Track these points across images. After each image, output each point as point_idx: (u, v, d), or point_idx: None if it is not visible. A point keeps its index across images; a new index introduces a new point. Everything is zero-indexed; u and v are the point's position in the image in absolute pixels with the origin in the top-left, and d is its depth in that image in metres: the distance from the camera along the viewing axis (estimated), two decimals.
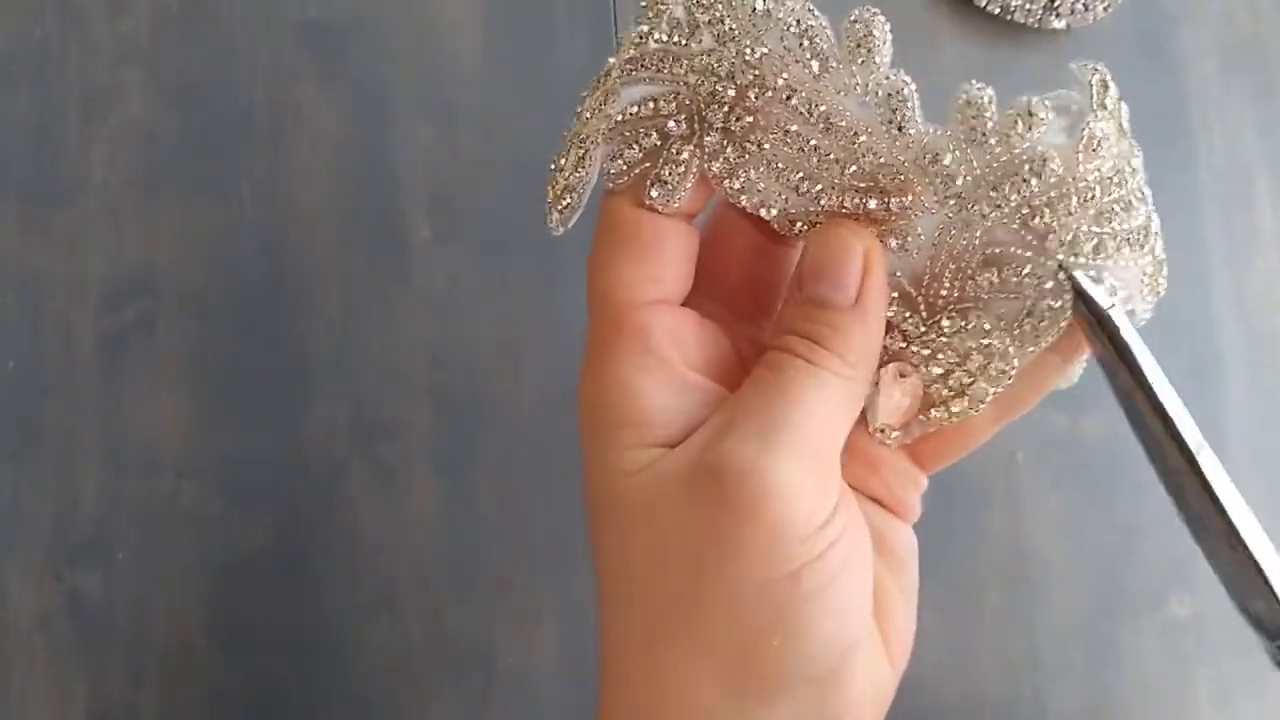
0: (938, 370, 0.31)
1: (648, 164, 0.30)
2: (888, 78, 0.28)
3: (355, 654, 0.46)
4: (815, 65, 0.28)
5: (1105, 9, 0.51)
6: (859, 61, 0.28)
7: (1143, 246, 0.29)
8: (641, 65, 0.29)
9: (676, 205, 0.30)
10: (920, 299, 0.30)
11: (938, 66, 0.51)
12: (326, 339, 0.47)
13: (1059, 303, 0.29)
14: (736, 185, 0.30)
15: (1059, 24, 0.51)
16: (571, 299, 0.48)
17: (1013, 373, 0.30)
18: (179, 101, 0.48)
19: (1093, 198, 0.28)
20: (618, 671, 0.29)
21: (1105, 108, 0.28)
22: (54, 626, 0.45)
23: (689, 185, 0.30)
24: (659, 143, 0.29)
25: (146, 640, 0.45)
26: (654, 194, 0.30)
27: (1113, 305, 0.28)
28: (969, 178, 0.28)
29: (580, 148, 0.31)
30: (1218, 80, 0.52)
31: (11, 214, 0.47)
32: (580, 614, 0.46)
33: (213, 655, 0.45)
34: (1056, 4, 0.50)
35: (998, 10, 0.51)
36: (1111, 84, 0.29)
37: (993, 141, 0.28)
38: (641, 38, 0.29)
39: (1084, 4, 0.51)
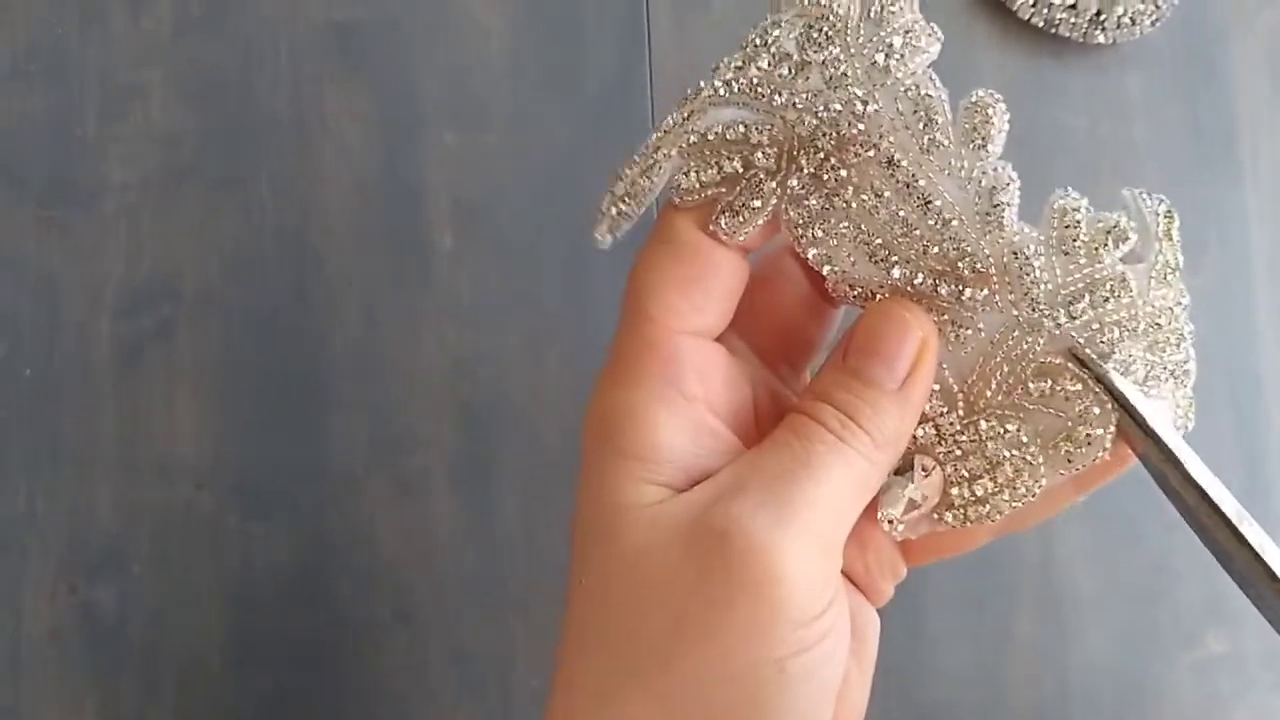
0: (965, 473, 0.30)
1: (723, 189, 0.29)
2: (995, 169, 0.27)
3: (372, 671, 0.45)
4: (926, 138, 0.27)
5: (1152, 24, 0.49)
6: (970, 146, 0.27)
7: (1183, 384, 0.29)
8: (739, 89, 0.28)
9: (743, 239, 0.29)
10: (961, 396, 0.29)
11: (977, 78, 0.50)
12: (347, 348, 0.46)
13: (1099, 432, 0.28)
14: (810, 235, 0.29)
15: (1104, 39, 0.49)
16: (598, 311, 0.47)
17: (1038, 492, 0.29)
18: (200, 103, 0.47)
19: (1156, 326, 0.28)
20: (565, 713, 0.28)
21: (1171, 239, 0.28)
22: (67, 639, 0.44)
23: (761, 221, 0.29)
24: (740, 170, 0.28)
25: (160, 654, 0.44)
26: (722, 222, 0.29)
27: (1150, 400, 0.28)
28: (1050, 285, 0.27)
29: (650, 159, 0.30)
30: (1267, 99, 0.51)
31: (29, 217, 0.46)
32: None
33: (227, 670, 0.44)
34: (1102, 18, 0.49)
35: (1041, 23, 0.49)
36: (1176, 215, 0.29)
37: (1082, 255, 0.27)
38: (744, 63, 0.28)
39: (1130, 18, 0.49)
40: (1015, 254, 0.27)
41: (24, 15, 0.47)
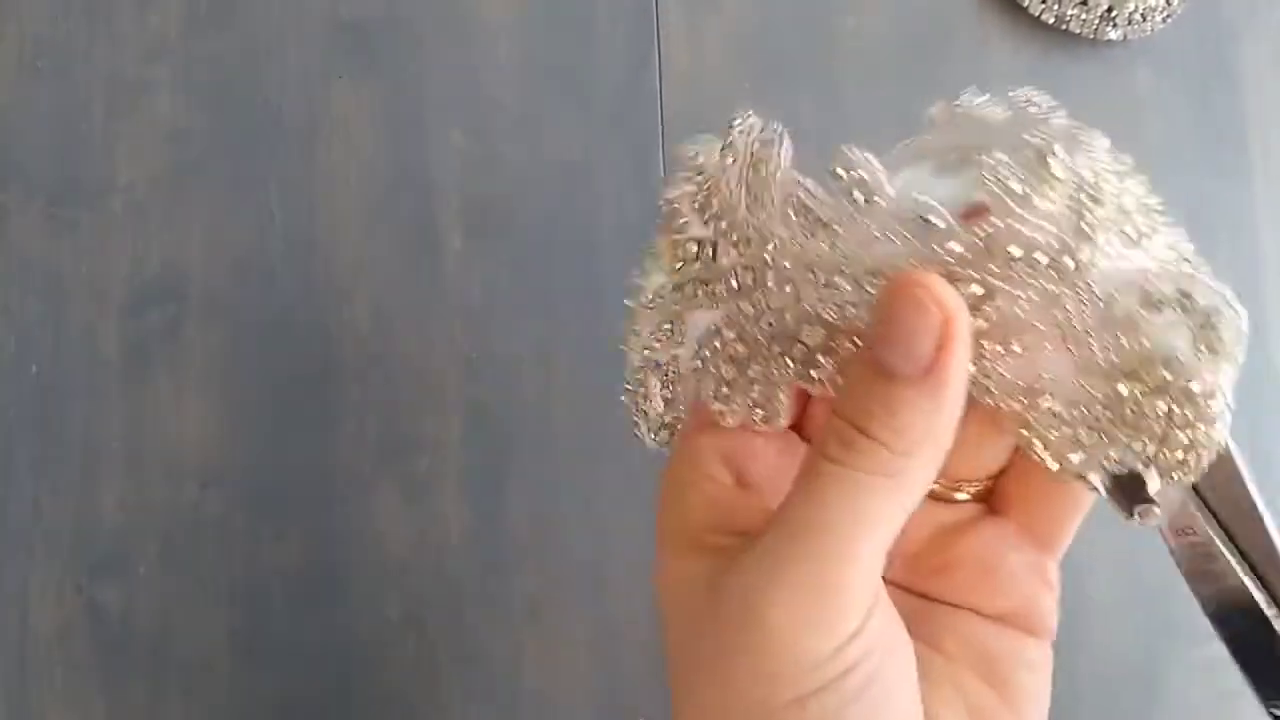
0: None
1: (741, 395, 0.28)
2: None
3: (380, 672, 0.45)
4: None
5: (1163, 20, 0.49)
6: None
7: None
8: (686, 294, 0.27)
9: (784, 424, 0.28)
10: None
11: (989, 74, 0.49)
12: (355, 348, 0.46)
13: (1097, 480, 0.26)
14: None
15: (1115, 35, 0.49)
16: (608, 310, 0.47)
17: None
18: (208, 100, 0.47)
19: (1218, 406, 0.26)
20: None
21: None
22: (73, 639, 0.44)
23: (786, 402, 0.27)
24: (738, 375, 0.28)
25: (167, 655, 0.44)
26: (758, 420, 0.28)
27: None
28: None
29: (661, 381, 0.29)
30: (1278, 96, 0.50)
31: (36, 214, 0.46)
32: (610, 638, 0.45)
33: (234, 671, 0.44)
34: (1113, 14, 0.49)
35: (1052, 19, 0.49)
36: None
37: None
38: (674, 261, 0.27)
39: (1141, 15, 0.49)
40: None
41: (31, 11, 0.47)
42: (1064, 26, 0.49)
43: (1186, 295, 0.24)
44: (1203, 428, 0.25)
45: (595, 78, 0.48)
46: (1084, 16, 0.49)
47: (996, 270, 0.24)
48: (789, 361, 0.27)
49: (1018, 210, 0.24)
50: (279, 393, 0.46)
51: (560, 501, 0.46)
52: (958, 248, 0.24)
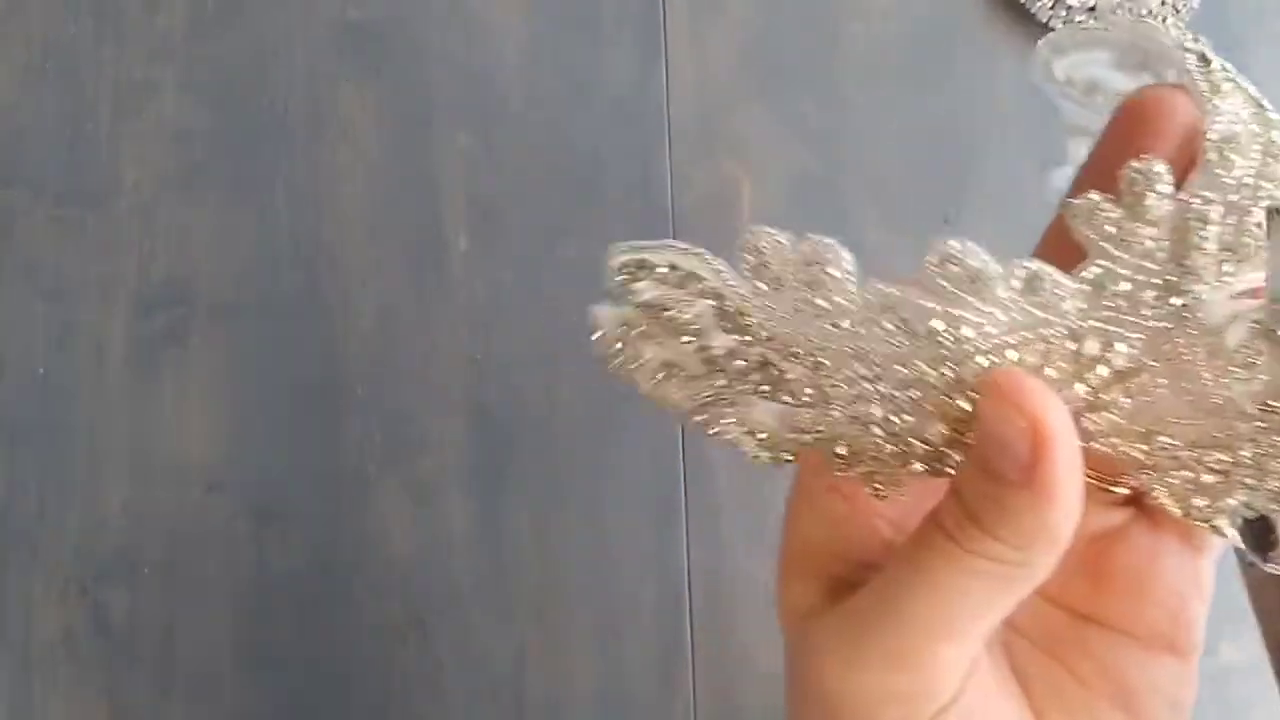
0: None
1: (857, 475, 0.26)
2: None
3: (384, 674, 0.45)
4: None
5: (1172, 27, 0.49)
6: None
7: None
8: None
9: (905, 494, 0.26)
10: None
11: (995, 80, 0.49)
12: (361, 351, 0.46)
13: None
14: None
15: None
16: None
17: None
18: (214, 101, 0.47)
19: None
20: None
21: None
22: (77, 642, 0.44)
23: (910, 479, 0.26)
24: (848, 467, 0.26)
25: (171, 658, 0.44)
26: (879, 491, 0.26)
27: None
28: None
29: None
30: None
31: (42, 215, 0.46)
32: (613, 641, 0.45)
33: (238, 674, 0.44)
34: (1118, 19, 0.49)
35: (1060, 25, 0.49)
36: None
37: None
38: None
39: (1149, 21, 0.49)
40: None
41: (39, 12, 0.47)
42: None
43: None
44: None
45: (601, 80, 0.49)
46: (1092, 23, 0.49)
47: (1108, 317, 0.24)
48: (912, 460, 0.25)
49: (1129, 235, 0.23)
50: (284, 395, 0.46)
51: (563, 503, 0.46)
52: (1071, 305, 0.23)
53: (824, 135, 0.50)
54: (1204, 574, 0.27)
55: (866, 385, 0.24)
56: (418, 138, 0.48)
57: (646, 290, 0.25)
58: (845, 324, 0.24)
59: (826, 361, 0.24)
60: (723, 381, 0.25)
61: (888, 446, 0.25)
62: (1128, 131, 0.25)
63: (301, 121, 0.47)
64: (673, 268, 0.25)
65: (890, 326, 0.24)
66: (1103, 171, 0.25)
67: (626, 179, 0.48)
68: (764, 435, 0.26)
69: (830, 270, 0.23)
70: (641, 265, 0.25)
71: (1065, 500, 0.23)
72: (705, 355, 0.25)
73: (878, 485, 0.26)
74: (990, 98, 0.49)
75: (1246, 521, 0.25)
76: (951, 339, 0.24)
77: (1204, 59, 0.25)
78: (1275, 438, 0.24)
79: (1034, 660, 0.26)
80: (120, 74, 0.47)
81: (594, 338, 0.26)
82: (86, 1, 0.47)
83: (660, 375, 0.26)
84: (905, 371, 0.24)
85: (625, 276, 0.25)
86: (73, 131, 0.46)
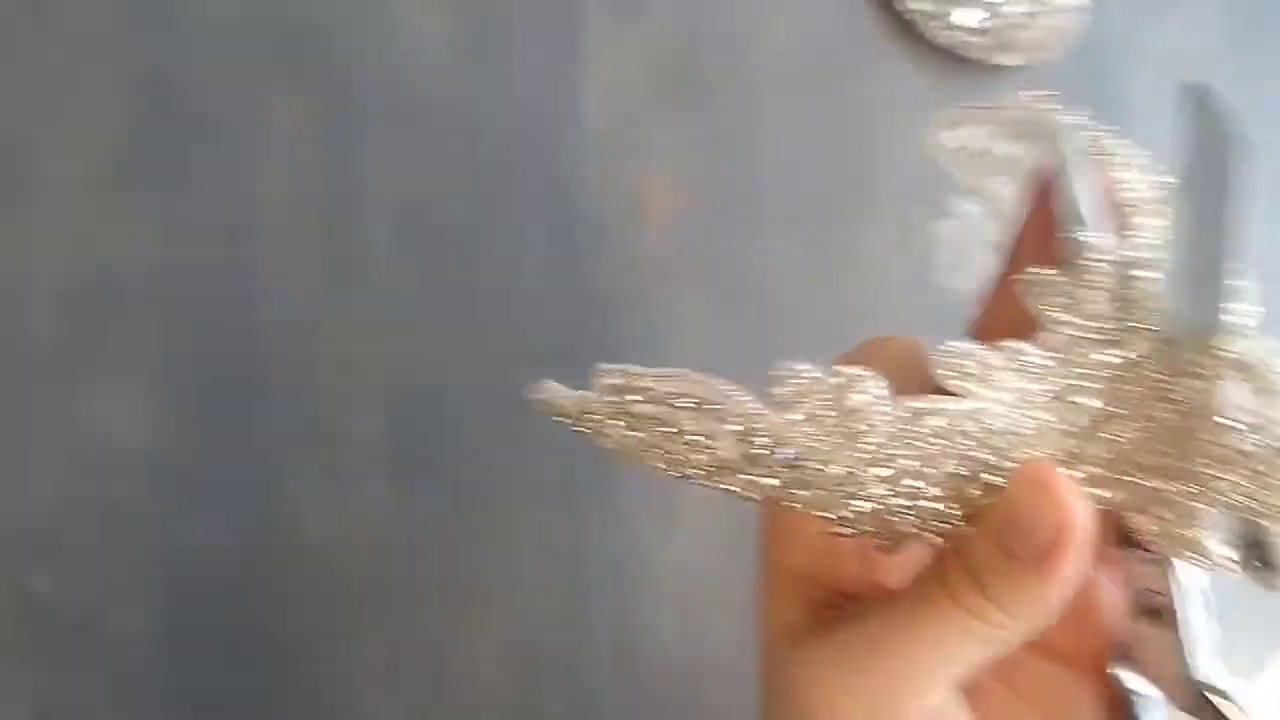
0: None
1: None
2: None
3: (304, 657, 0.46)
4: None
5: (1056, 48, 0.52)
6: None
7: None
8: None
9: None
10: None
11: (891, 94, 0.52)
12: (285, 344, 0.47)
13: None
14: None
15: (1011, 62, 0.52)
16: (530, 312, 0.49)
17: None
18: (140, 99, 0.48)
19: None
20: None
21: None
22: (1, 626, 0.44)
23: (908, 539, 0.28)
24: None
25: (95, 639, 0.45)
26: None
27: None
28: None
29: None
30: (1164, 123, 0.54)
31: None
32: (530, 625, 0.47)
33: (163, 657, 0.45)
34: (1007, 40, 0.52)
35: (950, 45, 0.52)
36: None
37: None
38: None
39: (1036, 44, 0.52)
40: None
41: None
42: (963, 53, 0.52)
43: (1231, 351, 0.26)
44: None
45: (519, 85, 0.50)
46: (980, 42, 0.52)
47: (1075, 375, 0.26)
48: (912, 530, 0.27)
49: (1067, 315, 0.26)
50: (208, 385, 0.47)
51: (477, 491, 0.48)
52: (1046, 373, 0.26)
53: (733, 144, 0.52)
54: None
55: (884, 485, 0.26)
56: (340, 138, 0.49)
57: (640, 408, 0.26)
58: (877, 440, 0.26)
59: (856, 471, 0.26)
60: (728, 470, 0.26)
61: (897, 525, 0.27)
62: (1049, 191, 0.28)
63: (228, 119, 0.48)
64: (676, 393, 0.26)
65: (929, 431, 0.25)
66: (1034, 238, 0.28)
67: (543, 183, 0.50)
68: (757, 497, 0.27)
69: (865, 395, 0.25)
70: (633, 390, 0.26)
71: (1066, 585, 0.26)
72: (713, 459, 0.26)
73: (876, 541, 0.27)
74: (887, 111, 0.52)
75: (1247, 548, 0.26)
76: (981, 430, 0.26)
77: (1104, 139, 0.29)
78: (1235, 454, 0.25)
79: (983, 680, 0.28)
80: (49, 70, 0.48)
81: (544, 410, 0.28)
82: None
83: (636, 448, 0.27)
84: (931, 468, 0.26)
85: (613, 398, 0.26)
86: (1, 127, 0.47)
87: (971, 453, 0.26)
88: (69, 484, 0.45)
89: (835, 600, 0.29)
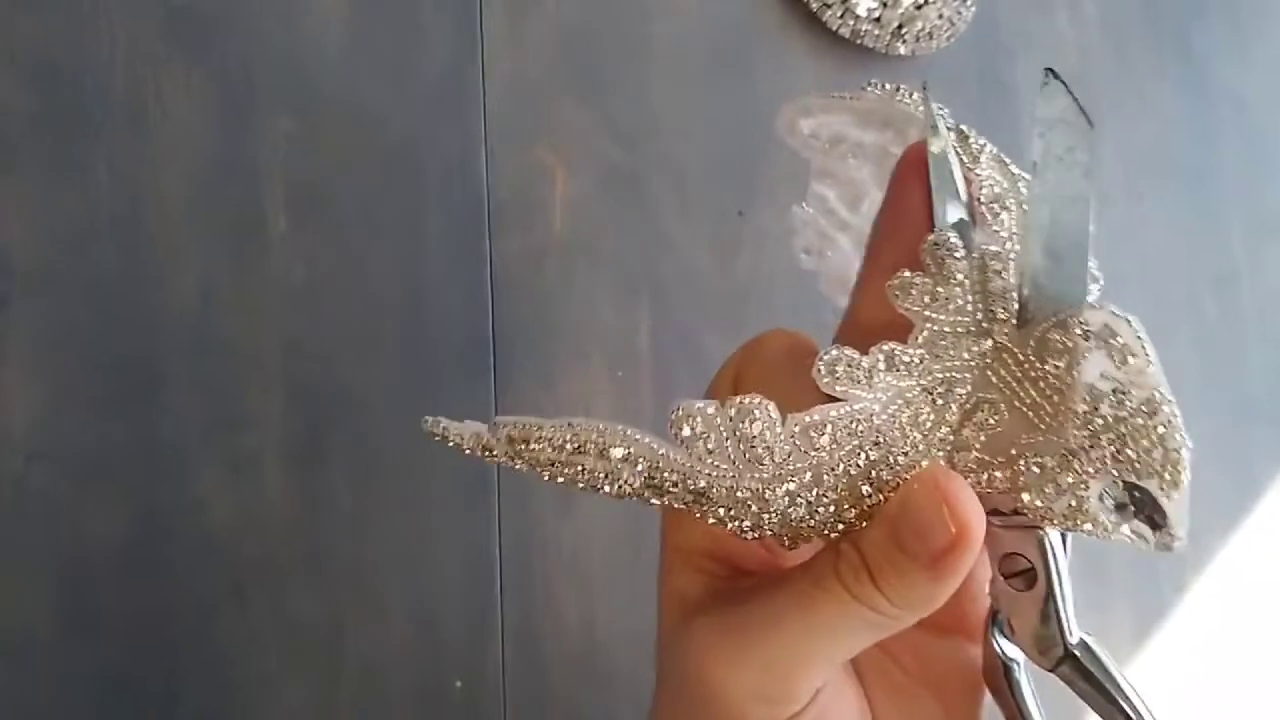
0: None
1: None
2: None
3: (204, 642, 0.46)
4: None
5: (948, 39, 0.54)
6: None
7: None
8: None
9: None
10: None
11: (790, 83, 0.53)
12: (181, 326, 0.47)
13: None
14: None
15: (904, 50, 0.53)
16: (430, 296, 0.49)
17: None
18: (34, 79, 0.47)
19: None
20: None
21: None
22: None
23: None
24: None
25: None
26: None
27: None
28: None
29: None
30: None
31: None
32: (429, 608, 0.48)
33: (60, 644, 0.45)
34: (903, 31, 0.53)
35: (849, 34, 0.53)
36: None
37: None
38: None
39: (928, 33, 0.53)
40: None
41: None
42: (859, 41, 0.53)
43: (1084, 324, 0.27)
44: (1156, 424, 0.26)
45: (420, 67, 0.50)
46: (877, 32, 0.53)
47: (944, 367, 0.28)
48: (818, 532, 0.28)
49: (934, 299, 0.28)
50: (105, 369, 0.46)
51: (379, 477, 0.48)
52: (918, 367, 0.28)
53: (631, 129, 0.53)
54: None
55: (786, 497, 0.27)
56: (238, 119, 0.49)
57: (539, 455, 0.27)
58: (777, 459, 0.27)
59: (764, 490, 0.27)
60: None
61: (798, 528, 0.28)
62: (909, 181, 0.29)
63: (123, 103, 0.48)
64: (576, 440, 0.27)
65: (822, 441, 0.27)
66: (892, 228, 0.30)
67: (444, 165, 0.50)
68: (656, 501, 0.28)
69: (758, 421, 0.26)
70: (530, 440, 0.27)
71: (954, 585, 0.27)
72: (618, 491, 0.27)
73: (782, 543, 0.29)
74: (784, 98, 0.53)
75: (1133, 512, 0.27)
76: (868, 429, 0.27)
77: (962, 134, 0.30)
78: (1104, 418, 0.27)
79: (868, 652, 0.29)
80: None
81: (441, 443, 0.28)
82: None
83: (540, 475, 0.28)
84: (826, 476, 0.27)
85: (510, 449, 0.27)
86: None
87: (862, 452, 0.27)
88: None
89: (733, 577, 0.31)
